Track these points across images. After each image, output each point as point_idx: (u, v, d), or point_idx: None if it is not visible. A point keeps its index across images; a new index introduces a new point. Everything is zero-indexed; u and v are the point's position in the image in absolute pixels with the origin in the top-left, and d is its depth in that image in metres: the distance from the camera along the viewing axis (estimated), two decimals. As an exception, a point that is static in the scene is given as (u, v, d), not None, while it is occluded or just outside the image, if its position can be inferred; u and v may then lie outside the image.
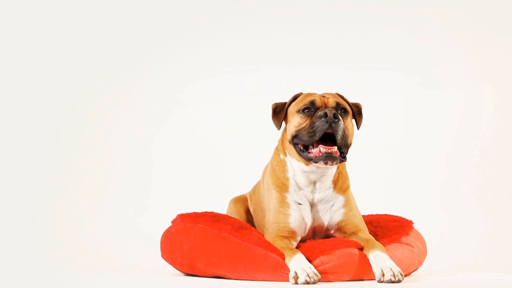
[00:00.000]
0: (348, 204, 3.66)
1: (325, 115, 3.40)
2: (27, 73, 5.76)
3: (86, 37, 5.86)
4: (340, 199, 3.65)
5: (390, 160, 5.70)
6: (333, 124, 3.39)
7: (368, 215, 4.04)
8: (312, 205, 3.62)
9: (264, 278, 3.34)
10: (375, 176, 5.54)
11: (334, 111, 3.41)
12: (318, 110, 3.46)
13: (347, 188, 3.71)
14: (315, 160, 3.43)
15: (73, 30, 5.84)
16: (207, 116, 5.89)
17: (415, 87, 5.83)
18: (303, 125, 3.49)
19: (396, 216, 4.00)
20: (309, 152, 3.47)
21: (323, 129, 3.39)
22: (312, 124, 3.43)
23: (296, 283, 3.17)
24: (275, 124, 3.66)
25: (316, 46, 5.86)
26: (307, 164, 3.53)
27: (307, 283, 3.14)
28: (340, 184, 3.66)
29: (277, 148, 3.78)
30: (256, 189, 4.12)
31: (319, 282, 3.21)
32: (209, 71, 5.93)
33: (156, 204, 5.59)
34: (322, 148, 3.41)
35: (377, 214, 4.08)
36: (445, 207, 5.47)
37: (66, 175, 5.68)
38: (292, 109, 3.60)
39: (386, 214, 4.07)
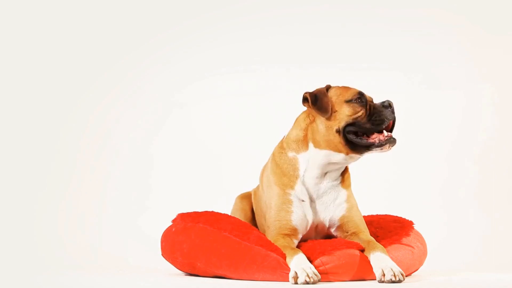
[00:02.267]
0: (350, 200, 3.67)
1: (390, 105, 3.53)
2: (27, 73, 5.76)
3: (86, 37, 5.86)
4: (344, 192, 3.65)
5: (390, 160, 5.68)
6: (394, 115, 3.54)
7: (369, 216, 4.04)
8: (314, 200, 3.60)
9: (264, 278, 3.34)
10: (375, 176, 5.54)
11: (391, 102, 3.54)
12: (370, 102, 3.56)
13: (350, 185, 3.73)
14: (378, 144, 3.48)
15: (73, 30, 5.84)
16: (207, 116, 5.89)
17: (415, 87, 5.84)
18: (359, 113, 3.51)
19: (397, 216, 4.00)
20: (366, 139, 3.50)
21: (390, 118, 3.52)
22: (378, 113, 3.50)
23: (296, 283, 3.17)
24: (322, 112, 3.53)
25: (316, 46, 5.86)
26: (347, 153, 3.52)
27: (307, 283, 3.14)
28: (345, 178, 3.69)
29: (282, 147, 3.72)
30: (257, 189, 4.11)
31: (319, 282, 3.21)
32: (209, 71, 5.93)
33: (156, 204, 5.59)
34: (386, 132, 3.51)
35: (377, 215, 4.08)
36: (445, 207, 5.47)
37: (66, 175, 5.68)
38: (337, 99, 3.57)
39: (386, 215, 4.06)
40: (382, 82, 5.75)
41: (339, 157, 3.55)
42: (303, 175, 3.61)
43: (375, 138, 3.50)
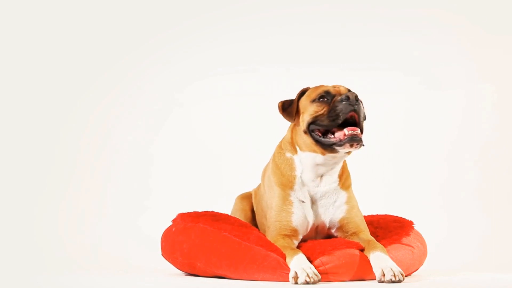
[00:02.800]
0: (350, 201, 3.65)
1: (347, 98, 3.38)
2: (27, 73, 5.76)
3: (86, 38, 5.86)
4: (343, 194, 3.64)
5: (390, 160, 5.70)
6: (356, 106, 3.39)
7: (369, 216, 4.04)
8: (315, 202, 3.61)
9: (264, 278, 3.34)
10: (375, 176, 5.54)
11: (355, 94, 3.41)
12: (335, 97, 3.45)
13: (350, 185, 3.71)
14: (339, 144, 3.39)
15: (73, 30, 5.84)
16: (207, 116, 5.89)
17: (415, 87, 5.84)
18: (320, 112, 3.46)
19: (397, 216, 4.00)
20: (330, 138, 3.44)
21: (347, 111, 3.38)
22: (334, 108, 3.40)
23: (296, 283, 3.17)
24: (288, 118, 3.62)
25: (316, 46, 5.86)
26: (323, 154, 3.49)
27: (307, 283, 3.14)
28: (344, 179, 3.66)
29: (281, 147, 3.74)
30: (258, 189, 4.11)
31: (319, 282, 3.21)
32: (209, 71, 5.93)
33: (156, 204, 5.59)
34: (347, 131, 3.38)
35: (377, 215, 4.08)
36: (445, 207, 5.47)
37: (66, 175, 5.68)
38: (305, 101, 3.57)
39: (386, 215, 4.06)
40: (382, 82, 5.76)
41: (319, 158, 3.53)
42: (301, 176, 3.61)
43: (338, 137, 3.42)
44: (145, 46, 5.92)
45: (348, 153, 3.51)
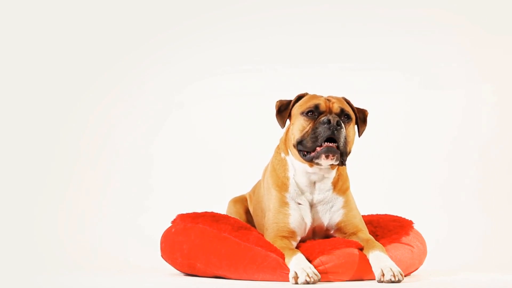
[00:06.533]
0: (348, 205, 3.66)
1: (329, 121, 3.41)
2: (27, 73, 5.76)
3: (86, 38, 5.86)
4: (340, 200, 3.65)
5: (390, 160, 5.70)
6: (336, 132, 3.41)
7: (368, 215, 4.04)
8: (312, 206, 3.63)
9: (264, 278, 3.35)
10: (375, 176, 5.54)
11: (337, 118, 3.43)
12: (322, 115, 3.48)
13: (347, 189, 3.71)
14: (316, 156, 3.43)
15: (73, 30, 5.84)
16: (207, 116, 5.89)
17: (415, 87, 5.84)
18: (306, 129, 3.49)
19: (396, 216, 4.01)
20: (310, 153, 3.47)
21: (325, 135, 3.41)
22: (314, 130, 3.44)
23: (296, 283, 3.17)
24: (279, 123, 3.66)
25: (316, 46, 5.86)
26: (311, 166, 3.54)
27: (307, 283, 3.15)
28: (340, 185, 3.67)
29: (278, 147, 3.77)
30: (256, 189, 4.13)
31: (319, 282, 3.21)
32: (209, 71, 5.93)
33: (156, 204, 5.59)
34: (324, 144, 3.41)
35: (377, 214, 4.09)
36: (445, 207, 5.47)
37: (66, 175, 5.68)
38: (296, 110, 3.60)
39: (386, 214, 4.07)
40: (382, 82, 5.76)
41: (308, 168, 3.56)
42: (294, 178, 3.62)
43: (315, 151, 3.45)
44: (145, 46, 5.92)
45: (332, 166, 3.53)
